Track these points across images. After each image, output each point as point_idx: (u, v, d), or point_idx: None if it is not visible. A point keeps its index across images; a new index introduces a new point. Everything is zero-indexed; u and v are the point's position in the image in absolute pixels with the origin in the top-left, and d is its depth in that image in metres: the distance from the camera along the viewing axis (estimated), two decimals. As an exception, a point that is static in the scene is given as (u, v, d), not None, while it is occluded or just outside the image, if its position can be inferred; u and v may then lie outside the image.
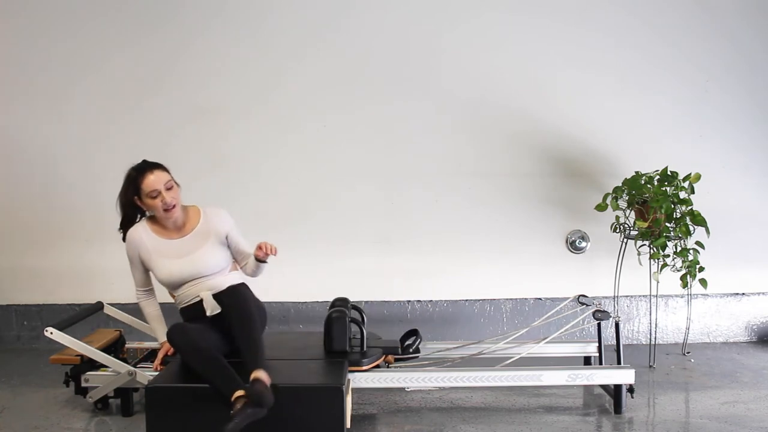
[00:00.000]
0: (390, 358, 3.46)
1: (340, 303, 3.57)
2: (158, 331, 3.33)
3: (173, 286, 3.25)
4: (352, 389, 3.18)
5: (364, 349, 3.37)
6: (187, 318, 3.22)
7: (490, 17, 4.52)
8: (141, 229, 3.24)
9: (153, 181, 3.15)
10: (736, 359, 4.29)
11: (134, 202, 3.22)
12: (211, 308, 3.14)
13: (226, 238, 3.28)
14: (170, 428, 2.85)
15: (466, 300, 4.63)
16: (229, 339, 3.05)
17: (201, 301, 3.17)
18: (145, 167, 3.20)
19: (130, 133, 4.52)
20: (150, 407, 2.86)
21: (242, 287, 3.09)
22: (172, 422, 2.84)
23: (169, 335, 2.99)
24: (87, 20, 4.47)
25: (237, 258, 3.35)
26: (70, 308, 4.51)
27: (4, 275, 4.57)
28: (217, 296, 3.13)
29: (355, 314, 3.55)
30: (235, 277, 3.27)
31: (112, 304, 3.95)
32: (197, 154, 4.52)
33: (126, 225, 3.27)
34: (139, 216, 3.29)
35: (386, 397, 3.59)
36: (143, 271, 3.30)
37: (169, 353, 3.29)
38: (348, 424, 2.93)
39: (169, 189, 3.17)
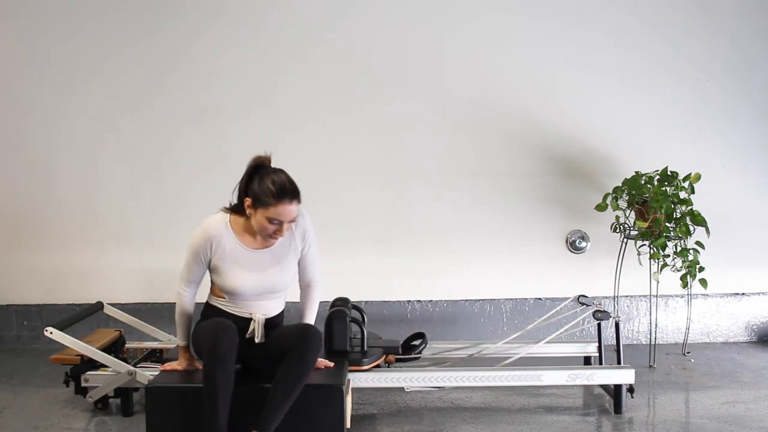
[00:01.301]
0: (390, 357, 3.46)
1: (341, 303, 3.57)
2: (183, 333, 2.99)
3: (233, 296, 2.92)
4: (352, 389, 3.18)
5: (365, 348, 3.37)
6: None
7: (490, 17, 4.52)
8: (223, 227, 2.87)
9: (287, 212, 2.76)
10: (736, 359, 4.30)
11: (243, 202, 2.83)
12: (260, 336, 2.92)
13: (301, 252, 3.01)
14: (170, 428, 2.85)
15: (466, 300, 4.63)
16: (242, 362, 2.93)
17: (246, 319, 2.92)
18: (287, 192, 2.75)
19: (130, 132, 4.52)
20: (150, 407, 2.86)
21: (319, 340, 2.83)
22: (172, 422, 2.84)
23: (201, 335, 2.77)
24: (87, 20, 4.47)
25: (299, 274, 3.08)
26: (70, 308, 4.51)
27: (4, 275, 4.57)
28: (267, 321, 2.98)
29: (355, 314, 3.55)
30: (283, 303, 3.09)
31: (112, 304, 3.95)
32: (197, 154, 4.53)
33: (234, 209, 2.90)
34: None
35: (386, 397, 3.59)
36: (202, 270, 2.92)
37: (180, 368, 3.04)
38: (348, 424, 2.93)
39: (290, 222, 2.81)
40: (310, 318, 3.08)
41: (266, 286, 2.92)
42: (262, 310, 2.94)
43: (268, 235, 2.82)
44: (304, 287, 3.11)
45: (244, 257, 2.88)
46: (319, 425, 2.85)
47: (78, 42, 4.48)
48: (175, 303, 3.04)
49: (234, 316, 2.91)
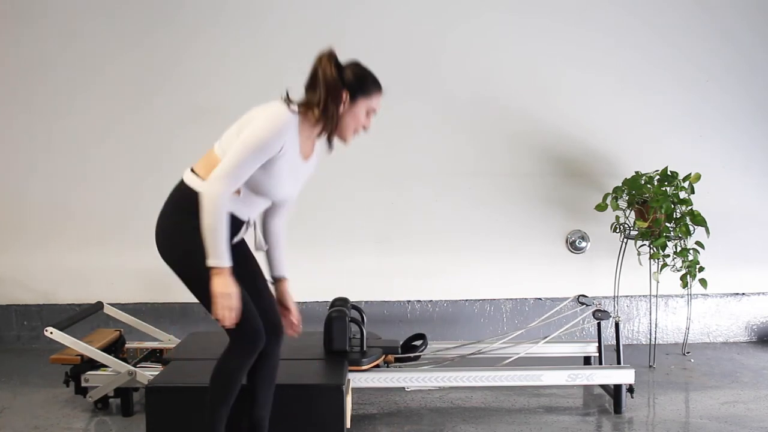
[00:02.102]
0: (390, 357, 3.46)
1: (340, 303, 3.57)
2: (226, 249, 2.34)
3: (256, 200, 2.52)
4: (352, 389, 3.18)
5: (364, 348, 3.37)
6: None
7: (490, 17, 4.52)
8: (294, 127, 2.44)
9: (379, 103, 2.57)
10: (736, 359, 4.30)
11: (342, 95, 2.46)
12: (258, 245, 2.62)
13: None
14: (170, 428, 2.85)
15: (466, 300, 4.63)
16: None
17: (240, 221, 2.51)
18: (380, 85, 2.57)
19: (131, 133, 4.52)
20: (150, 407, 2.86)
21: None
22: (172, 422, 2.84)
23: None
24: (88, 21, 4.47)
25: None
26: (70, 308, 4.51)
27: (4, 275, 4.57)
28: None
29: (355, 314, 3.55)
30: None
31: (112, 304, 3.95)
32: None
33: (325, 107, 2.46)
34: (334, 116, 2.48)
35: (386, 397, 3.59)
36: (254, 170, 2.39)
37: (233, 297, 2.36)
38: (348, 424, 2.93)
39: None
40: (284, 261, 2.72)
41: (291, 198, 2.62)
42: (257, 215, 2.61)
43: (355, 129, 2.55)
44: (278, 210, 2.67)
45: (295, 165, 2.51)
46: (319, 425, 2.85)
47: (78, 43, 4.48)
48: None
49: (231, 216, 2.43)
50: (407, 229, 4.58)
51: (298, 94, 2.68)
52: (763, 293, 4.70)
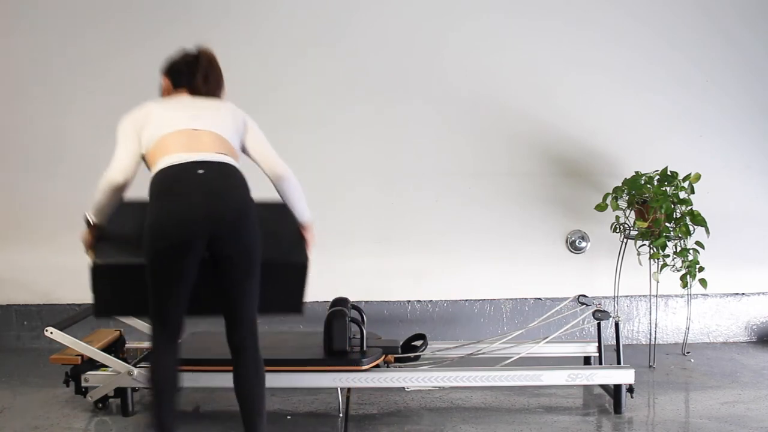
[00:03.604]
0: (390, 357, 3.46)
1: (340, 303, 3.57)
2: None
3: None
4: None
5: (364, 348, 3.37)
6: None
7: (490, 18, 4.52)
8: None
9: None
10: (736, 359, 4.30)
11: None
12: None
13: None
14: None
15: (466, 300, 4.63)
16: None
17: None
18: None
19: (130, 133, 4.52)
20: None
21: None
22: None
23: None
24: (89, 22, 4.47)
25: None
26: (70, 308, 4.51)
27: (4, 275, 4.57)
28: None
29: (355, 314, 3.55)
30: None
31: (112, 304, 3.95)
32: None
33: None
34: None
35: (386, 397, 3.59)
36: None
37: None
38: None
39: None
40: None
41: None
42: None
43: None
44: None
45: None
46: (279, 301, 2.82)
47: (79, 43, 4.48)
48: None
49: None
50: (407, 229, 4.58)
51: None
52: (763, 293, 4.70)
